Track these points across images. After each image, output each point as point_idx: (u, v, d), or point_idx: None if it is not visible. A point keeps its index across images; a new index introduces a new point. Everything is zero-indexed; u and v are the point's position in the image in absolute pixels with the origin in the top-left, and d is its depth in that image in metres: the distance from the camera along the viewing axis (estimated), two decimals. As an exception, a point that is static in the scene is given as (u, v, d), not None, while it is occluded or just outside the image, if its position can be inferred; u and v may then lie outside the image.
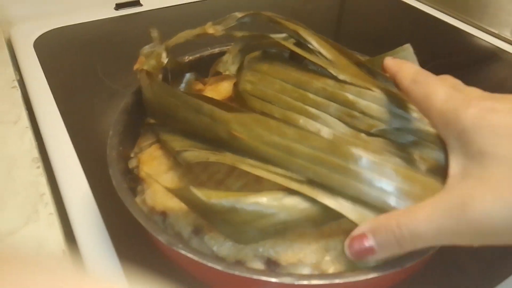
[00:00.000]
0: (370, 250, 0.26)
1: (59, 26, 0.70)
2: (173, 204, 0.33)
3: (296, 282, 0.26)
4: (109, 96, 0.55)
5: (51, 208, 0.40)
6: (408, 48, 0.35)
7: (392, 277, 0.30)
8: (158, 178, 0.35)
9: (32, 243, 0.36)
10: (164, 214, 0.33)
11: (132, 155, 0.38)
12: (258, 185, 0.34)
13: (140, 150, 0.38)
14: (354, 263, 0.30)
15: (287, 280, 0.26)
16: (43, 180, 0.42)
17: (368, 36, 0.74)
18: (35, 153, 0.46)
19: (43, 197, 0.41)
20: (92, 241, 0.37)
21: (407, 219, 0.24)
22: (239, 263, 0.30)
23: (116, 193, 0.32)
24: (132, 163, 0.38)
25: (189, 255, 0.27)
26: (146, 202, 0.34)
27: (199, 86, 0.45)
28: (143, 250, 0.35)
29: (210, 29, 0.44)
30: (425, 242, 0.24)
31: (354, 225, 0.31)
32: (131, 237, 0.35)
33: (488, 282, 0.36)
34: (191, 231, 0.32)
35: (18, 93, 0.54)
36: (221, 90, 0.45)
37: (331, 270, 0.29)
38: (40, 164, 0.44)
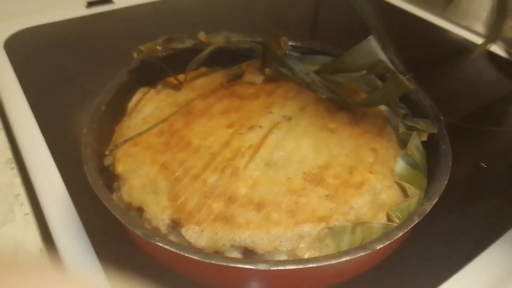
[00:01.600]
0: None
1: (29, 26, 0.69)
2: (150, 199, 0.34)
3: (272, 268, 0.27)
4: (82, 95, 0.55)
5: (27, 208, 0.40)
6: (371, 40, 0.37)
7: (364, 261, 0.31)
8: (134, 175, 0.35)
9: (9, 243, 0.36)
10: (141, 209, 0.33)
11: (107, 152, 0.38)
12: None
13: (115, 148, 0.38)
14: (328, 249, 0.31)
15: (262, 266, 0.27)
16: (17, 181, 0.42)
17: (343, 29, 0.75)
18: (8, 154, 0.45)
19: (19, 197, 0.40)
20: (70, 240, 0.37)
21: None
22: (217, 253, 0.31)
23: (92, 190, 0.32)
24: (107, 161, 0.38)
25: (167, 247, 0.28)
26: (123, 198, 0.35)
27: (173, 82, 0.46)
28: (121, 246, 0.35)
29: (203, 37, 0.46)
30: None
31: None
32: (108, 234, 0.36)
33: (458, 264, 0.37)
34: (168, 225, 0.32)
35: (-12, 94, 0.53)
36: (196, 86, 0.45)
37: (306, 256, 0.30)
38: (14, 165, 0.44)
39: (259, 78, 0.46)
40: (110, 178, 0.37)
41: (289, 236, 0.31)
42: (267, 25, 0.72)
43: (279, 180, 0.35)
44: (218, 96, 0.43)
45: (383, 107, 0.45)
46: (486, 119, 0.56)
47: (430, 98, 0.43)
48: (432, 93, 0.43)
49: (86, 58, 0.63)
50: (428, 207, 0.32)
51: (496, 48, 0.69)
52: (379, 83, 0.44)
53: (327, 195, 0.34)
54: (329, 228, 0.32)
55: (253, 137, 0.38)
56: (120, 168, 0.36)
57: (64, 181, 0.42)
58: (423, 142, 0.39)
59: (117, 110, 0.43)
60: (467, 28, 0.75)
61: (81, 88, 0.56)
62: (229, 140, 0.37)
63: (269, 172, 0.35)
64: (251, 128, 0.39)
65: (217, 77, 0.46)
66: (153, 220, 0.32)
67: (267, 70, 0.46)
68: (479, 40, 0.72)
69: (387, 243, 0.29)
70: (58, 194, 0.40)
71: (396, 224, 0.32)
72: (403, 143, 0.40)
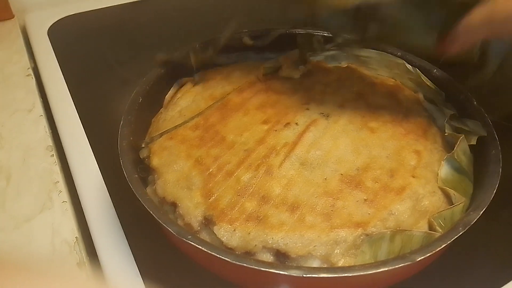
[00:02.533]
0: None
1: (72, 13, 0.70)
2: (184, 194, 0.33)
3: (305, 275, 0.26)
4: (121, 84, 0.55)
5: (64, 196, 0.41)
6: None
7: (402, 272, 0.30)
8: (168, 169, 0.35)
9: (47, 230, 0.37)
10: (174, 204, 0.33)
11: (143, 145, 0.38)
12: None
13: (151, 140, 0.38)
14: (365, 256, 0.30)
15: (295, 272, 0.26)
16: (56, 168, 0.43)
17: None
18: (49, 141, 0.46)
19: (57, 184, 0.41)
20: (104, 231, 0.37)
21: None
22: (248, 254, 0.30)
23: (127, 183, 0.32)
24: (143, 153, 0.38)
25: (199, 246, 0.27)
26: (157, 192, 0.35)
27: (209, 75, 0.45)
28: (154, 239, 0.35)
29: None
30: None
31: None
32: (142, 227, 0.36)
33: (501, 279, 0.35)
34: (200, 222, 0.32)
35: (32, 81, 0.55)
36: (232, 79, 0.44)
37: (340, 263, 0.29)
38: (54, 152, 0.45)
39: (296, 73, 0.44)
40: (146, 171, 0.37)
41: (324, 241, 0.30)
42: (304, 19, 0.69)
43: (315, 180, 0.33)
44: (254, 91, 0.42)
45: (428, 105, 0.42)
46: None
47: (475, 93, 0.40)
48: (476, 88, 0.40)
49: (127, 46, 0.63)
50: (474, 217, 0.30)
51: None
52: (425, 80, 0.42)
53: (365, 199, 0.32)
54: (367, 234, 0.30)
55: (289, 134, 0.37)
56: (155, 162, 0.36)
57: (101, 172, 0.42)
58: (470, 146, 0.37)
59: (154, 101, 0.43)
60: None
61: (120, 77, 0.57)
62: (264, 136, 0.37)
63: (305, 172, 0.34)
64: (287, 125, 0.38)
65: (253, 70, 0.45)
66: (186, 216, 0.32)
67: (305, 65, 0.44)
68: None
69: (428, 254, 0.27)
70: (95, 184, 0.41)
71: (439, 234, 0.30)
72: (449, 146, 0.38)
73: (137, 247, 0.36)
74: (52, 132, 0.48)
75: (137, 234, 0.37)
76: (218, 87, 0.43)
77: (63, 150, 0.46)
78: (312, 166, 0.34)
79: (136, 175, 0.33)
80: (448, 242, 0.28)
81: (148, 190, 0.35)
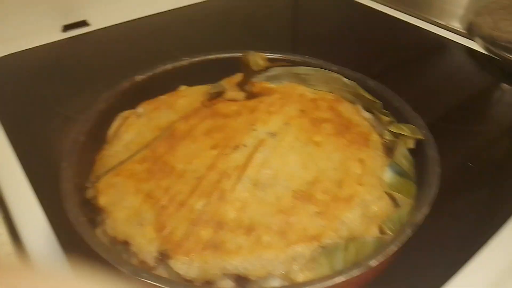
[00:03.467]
0: None
1: (5, 54, 0.67)
2: (136, 231, 0.32)
3: (265, 297, 0.26)
4: (62, 123, 0.54)
5: (8, 248, 0.38)
6: None
7: (360, 279, 0.30)
8: (117, 206, 0.34)
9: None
10: (126, 243, 0.32)
11: (88, 185, 0.37)
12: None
13: (97, 179, 0.37)
14: (322, 269, 0.30)
15: (255, 296, 0.26)
16: (-2, 219, 0.40)
17: (323, 37, 0.75)
18: (-14, 192, 0.43)
19: (0, 237, 0.39)
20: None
21: None
22: (209, 283, 0.30)
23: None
24: (89, 194, 0.36)
25: (154, 283, 0.26)
26: (107, 232, 0.33)
27: (153, 105, 0.45)
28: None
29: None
30: None
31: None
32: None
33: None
34: (156, 257, 0.31)
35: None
36: (177, 107, 0.44)
37: (300, 279, 0.29)
38: (-7, 203, 0.42)
39: (240, 95, 0.45)
40: (94, 211, 0.35)
41: (282, 259, 0.30)
42: (246, 40, 0.71)
43: (268, 200, 0.34)
44: (200, 116, 0.42)
45: (367, 115, 0.44)
46: (467, 116, 0.56)
47: (410, 98, 0.42)
48: (411, 93, 0.43)
49: (65, 83, 0.62)
50: (420, 217, 0.31)
51: (474, 44, 0.69)
52: (362, 92, 0.44)
53: (317, 212, 0.33)
54: (322, 246, 0.31)
55: (238, 157, 0.37)
56: (102, 201, 0.35)
57: (48, 219, 0.40)
58: (410, 149, 0.39)
59: (97, 138, 0.42)
60: (444, 26, 0.75)
61: (60, 116, 0.55)
62: (214, 162, 0.36)
63: (258, 193, 0.34)
64: (235, 147, 0.38)
65: (198, 96, 0.45)
66: (140, 254, 0.31)
67: (247, 86, 0.45)
68: (455, 37, 0.73)
69: (382, 260, 0.28)
70: (41, 233, 0.39)
71: (389, 237, 0.31)
72: (390, 152, 0.40)
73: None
74: (-11, 181, 0.45)
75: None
76: (163, 117, 0.43)
77: (3, 199, 0.43)
78: (264, 186, 0.35)
79: (83, 218, 0.31)
80: (399, 245, 0.29)
81: (98, 231, 0.34)
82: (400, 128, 0.41)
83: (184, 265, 0.30)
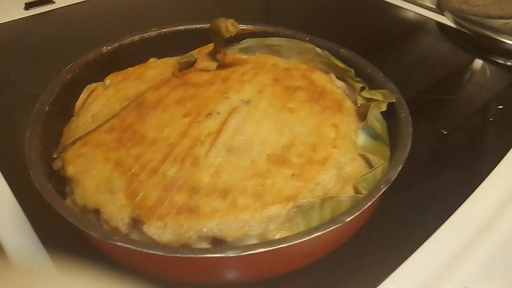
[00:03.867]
0: None
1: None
2: (106, 199, 0.31)
3: (243, 253, 0.25)
4: (26, 100, 0.51)
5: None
6: None
7: (336, 236, 0.31)
8: (86, 175, 0.33)
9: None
10: (97, 211, 0.31)
11: (55, 155, 0.35)
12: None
13: (64, 149, 0.36)
14: (299, 227, 0.30)
15: (232, 253, 0.25)
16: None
17: (296, 13, 0.75)
18: None
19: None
20: (22, 250, 0.34)
21: None
22: (184, 246, 0.29)
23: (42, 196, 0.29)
24: (56, 165, 0.35)
25: (126, 245, 0.26)
26: (77, 202, 0.32)
27: (121, 76, 0.43)
28: (81, 253, 0.32)
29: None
30: None
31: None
32: (66, 242, 0.33)
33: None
34: (128, 224, 0.30)
35: None
36: (146, 78, 0.43)
37: (277, 237, 0.29)
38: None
39: (212, 64, 0.44)
40: (62, 183, 0.34)
41: (258, 220, 0.30)
42: (216, 12, 0.70)
43: (243, 164, 0.33)
44: (171, 86, 0.41)
45: (340, 83, 0.44)
46: (442, 88, 0.57)
47: (387, 75, 0.43)
48: (388, 70, 0.43)
49: (28, 61, 0.59)
50: (393, 175, 0.32)
51: (445, 19, 0.71)
52: (335, 60, 0.44)
53: (292, 175, 0.33)
54: (298, 206, 0.31)
55: (211, 124, 0.36)
56: (70, 170, 0.34)
57: (12, 190, 0.38)
58: (383, 113, 0.39)
59: (64, 111, 0.40)
60: (414, 2, 0.76)
61: (25, 92, 0.52)
62: (187, 129, 0.36)
63: (232, 158, 0.34)
64: (208, 115, 0.37)
65: (168, 67, 0.44)
66: (112, 221, 0.30)
67: (219, 55, 0.44)
68: (427, 13, 0.74)
69: (356, 214, 0.28)
70: (6, 204, 0.37)
71: (364, 195, 0.32)
72: (363, 117, 0.40)
73: (63, 263, 0.33)
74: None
75: (61, 250, 0.34)
76: (131, 87, 0.41)
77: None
78: (238, 151, 0.34)
79: (50, 185, 0.30)
80: (373, 200, 0.29)
81: (67, 201, 0.33)
82: (373, 93, 0.41)
83: (158, 230, 0.29)
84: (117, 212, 0.30)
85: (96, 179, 0.33)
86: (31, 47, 0.62)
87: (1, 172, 0.40)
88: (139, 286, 0.23)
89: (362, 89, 0.42)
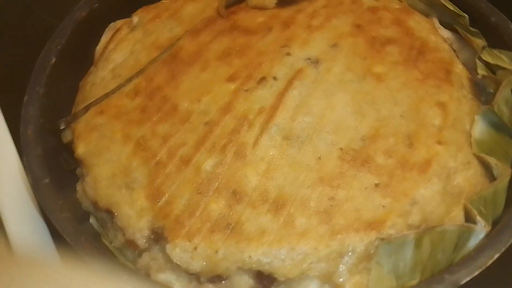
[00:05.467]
0: None
1: None
2: (122, 197, 0.25)
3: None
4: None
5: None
6: None
7: None
8: (100, 159, 0.26)
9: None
10: (110, 212, 0.24)
11: (62, 126, 0.28)
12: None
13: (74, 118, 0.28)
14: (381, 271, 0.21)
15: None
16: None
17: None
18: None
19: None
20: (30, 240, 0.28)
21: None
22: (219, 278, 0.22)
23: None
24: (66, 137, 0.28)
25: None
26: (88, 193, 0.26)
27: (152, 13, 0.33)
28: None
29: None
30: None
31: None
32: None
33: None
34: (148, 237, 0.23)
35: None
36: (183, 17, 0.33)
37: (348, 284, 0.21)
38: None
39: (270, 0, 0.33)
40: (72, 162, 0.27)
41: (323, 254, 0.22)
42: None
43: (305, 162, 0.25)
44: (213, 31, 0.32)
45: (446, 33, 0.32)
46: None
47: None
48: None
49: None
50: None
51: None
52: None
53: (377, 185, 0.24)
54: (382, 238, 0.22)
55: (265, 95, 0.28)
56: (81, 149, 0.27)
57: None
58: None
59: (78, 58, 0.32)
60: None
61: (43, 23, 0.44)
62: (231, 101, 0.28)
63: (290, 150, 0.26)
64: (261, 80, 0.28)
65: (211, 1, 0.34)
66: (127, 230, 0.24)
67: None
68: None
69: (476, 273, 0.19)
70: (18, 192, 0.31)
71: (481, 227, 0.22)
72: (478, 90, 0.29)
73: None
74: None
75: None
76: (164, 29, 0.33)
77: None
78: (299, 140, 0.26)
79: (48, 180, 0.23)
80: (503, 249, 0.19)
81: (79, 188, 0.27)
82: (498, 57, 0.29)
83: (186, 254, 0.22)
84: (135, 219, 0.24)
85: (111, 166, 0.26)
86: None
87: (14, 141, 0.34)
88: (139, 282, 0.22)
89: (481, 47, 0.30)
